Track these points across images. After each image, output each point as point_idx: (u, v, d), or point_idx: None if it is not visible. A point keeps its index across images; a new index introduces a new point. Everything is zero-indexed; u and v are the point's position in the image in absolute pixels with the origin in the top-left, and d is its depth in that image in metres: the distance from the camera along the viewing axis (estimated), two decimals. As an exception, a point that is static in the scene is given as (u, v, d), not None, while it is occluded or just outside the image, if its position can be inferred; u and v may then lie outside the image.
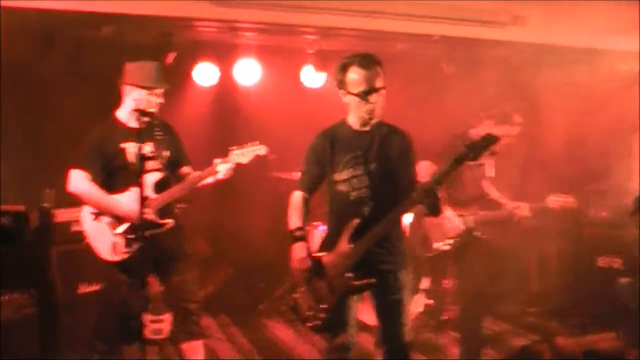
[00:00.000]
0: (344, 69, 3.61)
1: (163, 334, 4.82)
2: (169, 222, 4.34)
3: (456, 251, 4.91)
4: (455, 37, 5.74)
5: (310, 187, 3.78)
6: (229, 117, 6.86)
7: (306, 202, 3.76)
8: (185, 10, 5.13)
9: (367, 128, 3.68)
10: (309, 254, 3.63)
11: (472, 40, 5.85)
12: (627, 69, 6.50)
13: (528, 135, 7.14)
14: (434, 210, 3.57)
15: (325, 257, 3.63)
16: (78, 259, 5.11)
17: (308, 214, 3.77)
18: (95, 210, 4.27)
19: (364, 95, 3.55)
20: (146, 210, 4.18)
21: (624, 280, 5.73)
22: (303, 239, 3.66)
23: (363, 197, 3.61)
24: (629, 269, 5.86)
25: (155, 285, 5.06)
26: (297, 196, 3.78)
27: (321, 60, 6.06)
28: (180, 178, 4.54)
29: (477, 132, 4.97)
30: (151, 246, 4.28)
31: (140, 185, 3.78)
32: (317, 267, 3.60)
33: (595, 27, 5.82)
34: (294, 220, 3.70)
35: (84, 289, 5.11)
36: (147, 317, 5.03)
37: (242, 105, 6.74)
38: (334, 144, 3.69)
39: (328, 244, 3.70)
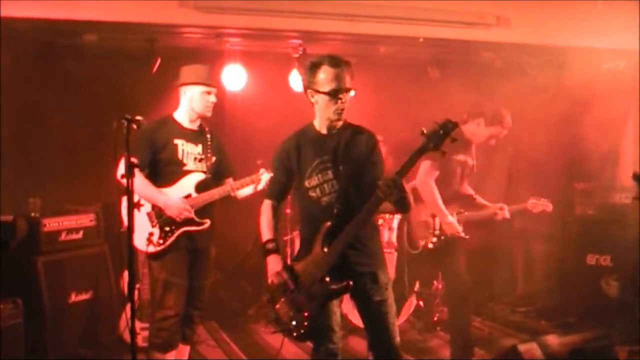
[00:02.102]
0: (313, 68, 3.51)
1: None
2: (206, 222, 4.44)
3: (438, 251, 4.92)
4: (439, 39, 5.74)
5: (279, 194, 3.74)
6: (217, 122, 6.84)
7: (276, 211, 3.73)
8: (170, 17, 5.12)
9: (333, 131, 3.59)
10: (285, 266, 3.56)
11: (456, 42, 5.86)
12: (611, 67, 6.54)
13: (514, 136, 7.21)
14: (402, 205, 3.45)
15: (301, 265, 3.55)
16: (68, 267, 5.11)
17: (279, 223, 3.75)
18: (136, 201, 4.24)
19: (334, 94, 3.46)
20: (186, 207, 4.30)
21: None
22: (275, 251, 3.61)
23: (334, 202, 3.50)
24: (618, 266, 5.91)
25: (144, 293, 5.06)
26: (266, 206, 3.74)
27: (306, 65, 6.05)
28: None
29: (467, 128, 4.97)
30: (186, 245, 4.38)
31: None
32: (293, 277, 3.52)
33: (578, 26, 5.87)
34: (265, 232, 3.68)
35: (75, 297, 5.10)
36: (138, 325, 4.98)
37: (230, 111, 6.73)
38: (299, 150, 3.61)
39: (303, 251, 3.64)
